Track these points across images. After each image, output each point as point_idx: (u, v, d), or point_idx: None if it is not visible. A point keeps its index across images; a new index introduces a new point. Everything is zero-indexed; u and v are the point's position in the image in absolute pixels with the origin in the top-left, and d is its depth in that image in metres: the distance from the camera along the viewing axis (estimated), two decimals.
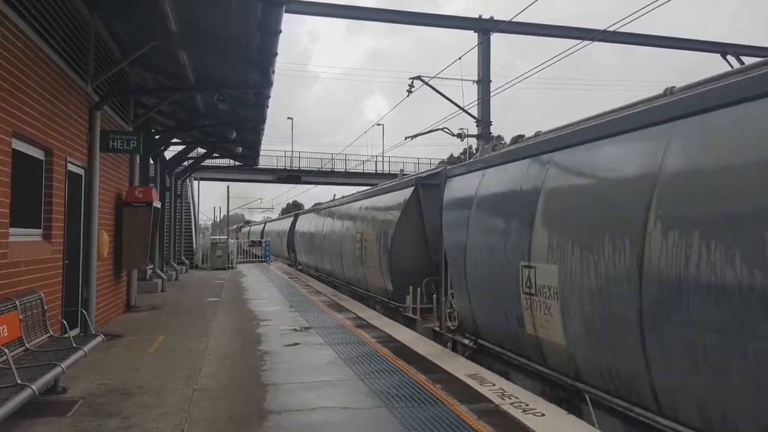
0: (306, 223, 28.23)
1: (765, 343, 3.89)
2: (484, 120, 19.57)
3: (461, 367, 7.01)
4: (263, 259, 34.31)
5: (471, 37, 20.93)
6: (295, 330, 9.84)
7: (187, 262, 25.42)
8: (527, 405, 5.42)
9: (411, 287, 12.10)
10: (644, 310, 5.01)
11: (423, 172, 15.47)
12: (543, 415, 5.14)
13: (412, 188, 13.26)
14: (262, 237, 45.26)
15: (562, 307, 6.29)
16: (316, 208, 26.60)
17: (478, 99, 19.63)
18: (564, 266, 6.24)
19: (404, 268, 12.89)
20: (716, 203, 4.40)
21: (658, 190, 4.98)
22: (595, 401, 5.90)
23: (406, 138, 20.30)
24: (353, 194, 20.78)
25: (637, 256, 5.12)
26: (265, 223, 59.80)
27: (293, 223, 34.30)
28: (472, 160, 10.88)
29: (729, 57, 16.16)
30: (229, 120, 15.16)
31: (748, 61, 14.88)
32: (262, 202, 76.57)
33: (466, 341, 9.27)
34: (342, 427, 4.89)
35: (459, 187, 9.77)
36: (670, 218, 4.80)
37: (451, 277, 9.95)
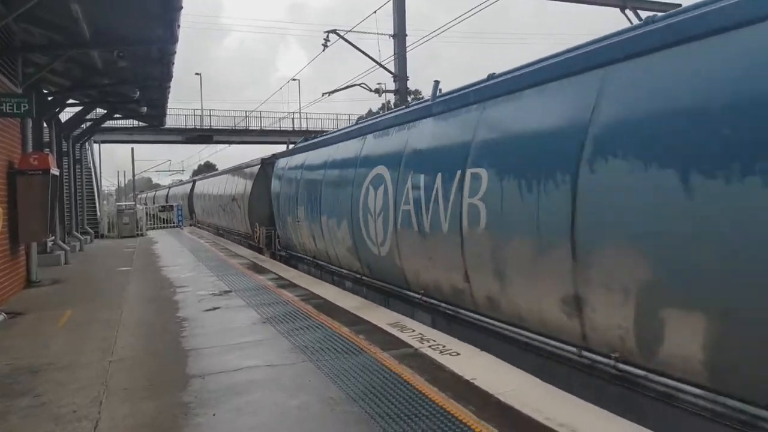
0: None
1: None
2: (401, 75, 19.56)
3: (383, 318, 7.22)
4: (176, 225, 33.20)
5: None
6: (215, 294, 9.67)
7: (92, 231, 24.10)
8: (444, 347, 5.71)
9: None
10: None
11: None
12: (458, 354, 5.46)
13: None
14: (191, 202, 38.26)
15: None
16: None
17: (394, 53, 19.55)
18: None
19: None
20: None
21: None
22: None
23: (323, 94, 19.99)
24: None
25: None
26: (194, 182, 42.57)
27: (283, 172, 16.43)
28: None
29: (628, 12, 16.67)
30: (131, 78, 14.25)
31: (646, 15, 15.56)
32: (171, 165, 72.97)
33: None
34: (268, 384, 4.94)
35: None
36: None
37: None
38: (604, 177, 4.64)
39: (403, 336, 6.23)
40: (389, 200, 8.39)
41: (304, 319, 7.39)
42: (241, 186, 23.11)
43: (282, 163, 16.80)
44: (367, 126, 10.40)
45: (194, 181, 41.87)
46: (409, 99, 19.89)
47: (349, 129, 11.71)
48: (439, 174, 7.02)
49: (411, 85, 20.45)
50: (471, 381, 4.73)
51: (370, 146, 9.74)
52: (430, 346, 5.75)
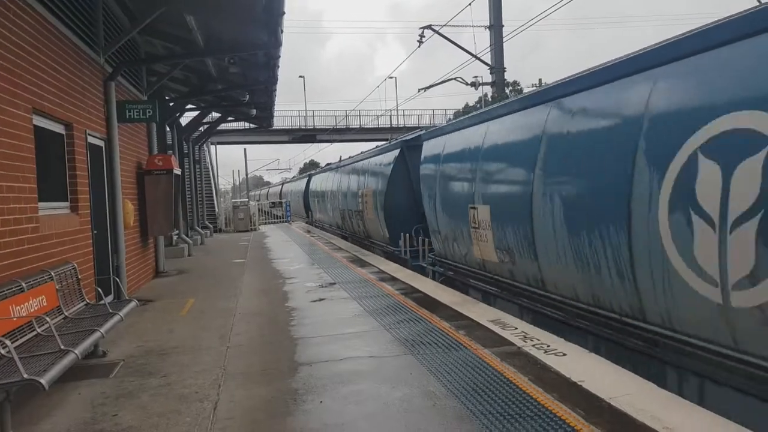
0: None
1: None
2: (497, 66, 19.19)
3: (483, 313, 7.17)
4: (284, 220, 34.88)
5: None
6: (320, 286, 10.08)
7: (211, 226, 25.84)
8: (549, 346, 5.55)
9: None
10: None
11: None
12: (564, 354, 5.27)
13: None
14: (306, 200, 34.74)
15: None
16: None
17: (490, 45, 19.21)
18: None
19: None
20: None
21: None
22: None
23: (419, 90, 20.09)
24: None
25: None
26: (309, 176, 36.93)
27: None
28: None
29: None
30: (241, 83, 15.14)
31: None
32: (279, 163, 76.54)
33: None
34: (370, 374, 5.09)
35: None
36: None
37: None
38: None
39: (505, 333, 6.14)
40: None
41: (405, 312, 7.50)
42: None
43: None
44: None
45: (310, 176, 37.63)
46: (507, 91, 19.47)
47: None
48: None
49: (509, 76, 20.00)
50: (578, 383, 4.52)
51: None
52: (533, 345, 5.61)
